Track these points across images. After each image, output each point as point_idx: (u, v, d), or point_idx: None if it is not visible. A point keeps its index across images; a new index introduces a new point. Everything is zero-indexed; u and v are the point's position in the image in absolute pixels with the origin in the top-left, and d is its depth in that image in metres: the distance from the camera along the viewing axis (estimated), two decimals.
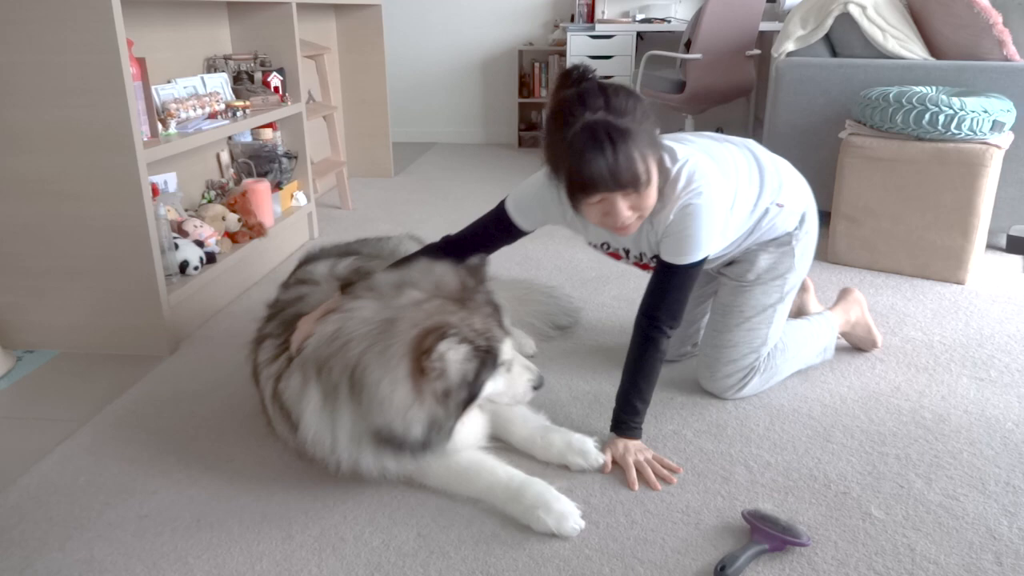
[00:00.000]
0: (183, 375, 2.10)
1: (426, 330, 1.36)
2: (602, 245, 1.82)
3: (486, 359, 1.41)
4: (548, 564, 1.37)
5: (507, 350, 1.48)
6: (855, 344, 2.17)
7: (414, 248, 2.11)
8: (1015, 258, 2.93)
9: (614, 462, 1.63)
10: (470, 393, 1.41)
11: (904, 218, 2.70)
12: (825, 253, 2.88)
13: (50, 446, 1.76)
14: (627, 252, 1.80)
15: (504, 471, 1.53)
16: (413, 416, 1.38)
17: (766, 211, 1.79)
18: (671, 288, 1.63)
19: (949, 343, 2.22)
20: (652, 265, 1.72)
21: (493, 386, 1.47)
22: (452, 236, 1.77)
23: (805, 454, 1.69)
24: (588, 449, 1.63)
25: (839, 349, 2.13)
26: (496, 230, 1.75)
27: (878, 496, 1.54)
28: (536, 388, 1.55)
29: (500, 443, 1.69)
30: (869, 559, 1.37)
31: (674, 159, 1.62)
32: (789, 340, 1.94)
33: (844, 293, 2.17)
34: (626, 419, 1.66)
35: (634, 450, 1.63)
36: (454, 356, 1.36)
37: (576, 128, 1.43)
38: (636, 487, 1.57)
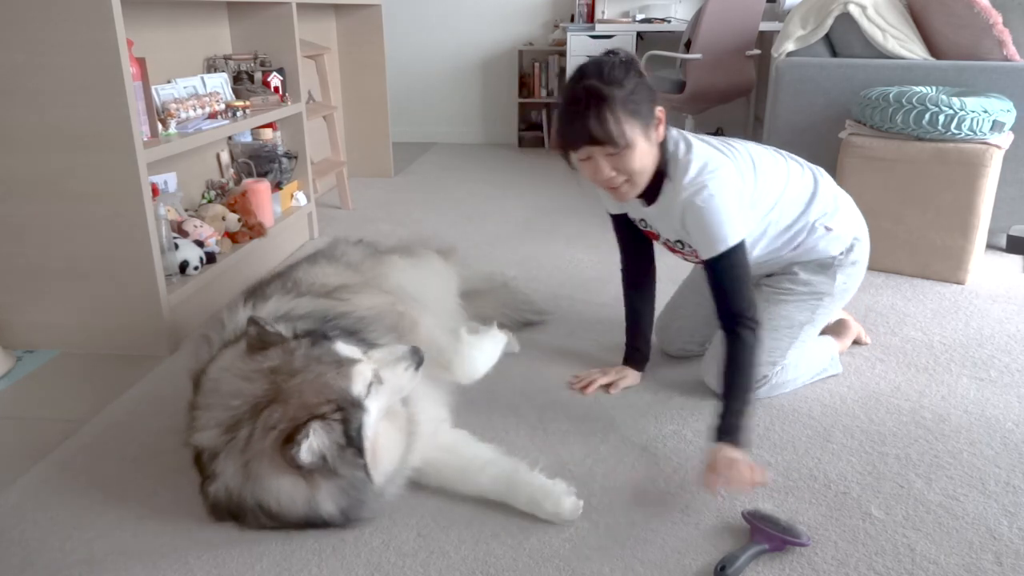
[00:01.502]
0: (183, 375, 2.09)
1: (280, 447, 1.30)
2: (640, 221, 1.86)
3: (345, 414, 1.33)
4: (548, 564, 1.37)
5: (359, 383, 1.36)
6: None
7: (352, 251, 2.06)
8: (1015, 258, 2.93)
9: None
10: (355, 446, 1.34)
11: (904, 218, 2.69)
12: None
13: (50, 446, 1.76)
14: (659, 234, 1.84)
15: (488, 476, 1.52)
16: (319, 500, 1.36)
17: (812, 229, 1.82)
18: (725, 280, 1.65)
19: (949, 343, 2.22)
20: (679, 250, 1.80)
21: (376, 411, 1.38)
22: (623, 264, 1.96)
23: (805, 454, 1.69)
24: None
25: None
26: (623, 233, 1.92)
27: (878, 496, 1.54)
28: (418, 367, 1.45)
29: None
30: (869, 559, 1.37)
31: (689, 150, 1.68)
32: (800, 360, 1.93)
33: (843, 328, 2.15)
34: (721, 424, 1.56)
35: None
36: (316, 443, 1.29)
37: (566, 94, 1.59)
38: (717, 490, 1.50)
